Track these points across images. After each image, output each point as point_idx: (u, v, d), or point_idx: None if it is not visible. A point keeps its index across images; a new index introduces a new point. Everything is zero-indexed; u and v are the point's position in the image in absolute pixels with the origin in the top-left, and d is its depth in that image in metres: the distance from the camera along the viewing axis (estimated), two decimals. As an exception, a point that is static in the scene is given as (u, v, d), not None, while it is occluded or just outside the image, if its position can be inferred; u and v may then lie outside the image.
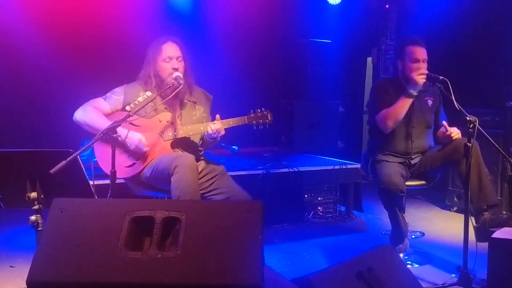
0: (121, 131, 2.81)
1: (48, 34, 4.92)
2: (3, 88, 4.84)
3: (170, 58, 3.06)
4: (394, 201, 3.28)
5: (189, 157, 2.89)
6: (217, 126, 2.98)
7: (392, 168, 3.33)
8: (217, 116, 3.04)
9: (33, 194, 2.19)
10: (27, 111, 5.02)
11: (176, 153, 3.02)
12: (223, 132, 3.01)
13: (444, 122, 3.36)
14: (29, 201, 2.20)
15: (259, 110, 3.11)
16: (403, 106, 3.33)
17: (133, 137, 2.95)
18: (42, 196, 2.21)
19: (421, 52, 3.38)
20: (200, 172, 3.07)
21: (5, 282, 3.11)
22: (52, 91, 4.97)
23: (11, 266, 3.37)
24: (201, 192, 3.02)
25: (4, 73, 4.86)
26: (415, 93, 3.31)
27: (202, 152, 3.23)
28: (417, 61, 3.35)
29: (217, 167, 3.18)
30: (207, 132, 3.01)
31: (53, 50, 4.88)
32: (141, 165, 3.00)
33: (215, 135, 2.99)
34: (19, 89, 4.98)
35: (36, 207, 2.20)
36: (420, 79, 3.26)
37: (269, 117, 3.12)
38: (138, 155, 3.00)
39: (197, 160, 3.07)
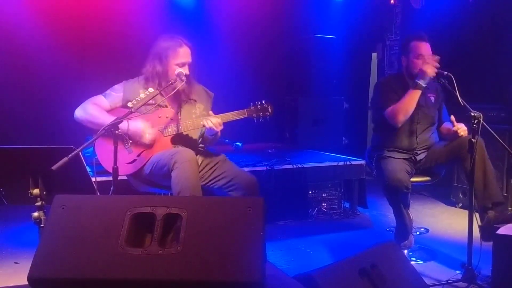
0: (122, 125, 2.81)
1: (52, 30, 4.93)
2: (6, 85, 4.86)
3: (183, 64, 3.06)
4: (399, 198, 3.27)
5: (189, 152, 2.89)
6: (213, 121, 2.93)
7: (397, 165, 3.31)
8: (210, 113, 3.03)
9: (36, 191, 2.19)
10: (30, 107, 5.03)
11: (175, 148, 3.01)
12: (220, 127, 2.98)
13: (452, 117, 3.31)
14: (32, 198, 2.20)
15: (259, 103, 3.08)
16: (412, 98, 3.26)
17: (136, 127, 2.96)
18: (44, 192, 2.20)
19: (425, 48, 3.36)
20: (201, 164, 3.08)
21: (9, 278, 3.13)
22: (55, 88, 4.98)
23: (15, 263, 3.38)
24: (204, 182, 3.03)
25: (8, 70, 4.87)
26: (423, 85, 3.22)
27: (202, 147, 3.22)
28: (422, 56, 3.33)
29: (217, 156, 3.18)
30: (205, 126, 2.98)
31: (57, 46, 4.89)
32: (142, 162, 3.00)
33: (214, 131, 2.97)
34: (22, 86, 5.00)
35: (39, 203, 2.20)
36: (431, 70, 3.17)
37: (269, 109, 3.07)
38: (141, 148, 3.01)
39: (197, 154, 3.06)
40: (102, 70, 4.72)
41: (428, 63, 3.21)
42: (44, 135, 4.90)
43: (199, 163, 3.06)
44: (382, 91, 3.51)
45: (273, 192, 4.35)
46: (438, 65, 3.19)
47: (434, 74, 3.18)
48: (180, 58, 3.05)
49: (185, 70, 3.04)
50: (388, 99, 3.39)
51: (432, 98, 3.55)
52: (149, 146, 3.03)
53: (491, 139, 3.01)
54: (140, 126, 2.98)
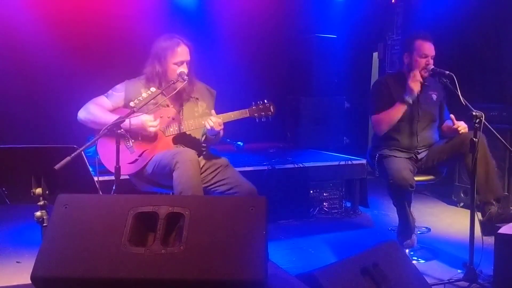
0: (124, 124, 2.80)
1: (53, 31, 4.94)
2: (8, 85, 4.86)
3: (181, 62, 3.06)
4: (404, 197, 3.26)
5: (190, 152, 2.89)
6: (214, 120, 2.93)
7: (400, 163, 3.31)
8: (212, 112, 3.02)
9: (38, 190, 2.20)
10: (32, 107, 5.04)
11: (177, 148, 3.02)
12: (220, 127, 2.96)
13: (452, 116, 3.34)
14: (34, 197, 2.21)
15: (260, 102, 3.07)
16: (398, 111, 3.34)
17: (137, 121, 2.94)
18: (47, 192, 2.22)
19: (430, 48, 3.37)
20: (203, 166, 3.07)
21: (11, 277, 3.13)
22: (57, 88, 4.99)
23: (17, 262, 3.39)
24: (205, 185, 3.03)
25: (10, 70, 4.88)
26: (410, 101, 3.30)
27: (205, 147, 3.22)
28: (426, 56, 3.34)
29: (220, 159, 3.17)
30: (206, 126, 2.97)
31: (58, 47, 4.90)
32: (144, 162, 3.01)
33: (215, 131, 2.96)
34: (24, 86, 5.00)
35: (41, 203, 2.21)
36: (416, 86, 3.26)
37: (271, 109, 3.06)
38: (143, 148, 3.01)
39: (199, 155, 3.06)
40: (104, 70, 4.72)
41: (415, 81, 3.27)
42: (46, 135, 4.91)
43: (202, 165, 3.06)
44: (375, 95, 3.55)
45: (274, 192, 4.35)
46: (420, 79, 3.30)
47: (419, 90, 3.30)
48: (178, 57, 3.05)
49: (183, 68, 3.04)
50: (380, 103, 3.43)
51: (434, 96, 3.55)
52: (154, 139, 3.02)
53: (493, 139, 3.02)
54: (142, 119, 2.96)
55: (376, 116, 3.43)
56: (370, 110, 3.53)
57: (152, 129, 2.98)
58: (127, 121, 2.84)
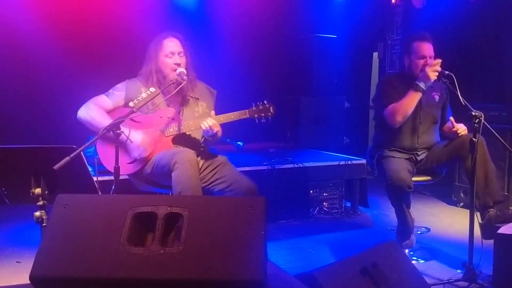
0: (123, 129, 2.79)
1: (53, 31, 4.93)
2: (8, 85, 4.87)
3: (172, 53, 3.05)
4: (402, 197, 3.26)
5: (189, 153, 2.88)
6: (210, 123, 2.93)
7: (399, 164, 3.30)
8: (212, 112, 3.02)
9: (38, 190, 2.21)
10: (32, 107, 5.04)
11: (176, 149, 3.00)
12: (217, 129, 2.96)
13: (451, 118, 3.34)
14: (34, 197, 2.21)
15: (260, 103, 3.05)
16: (411, 100, 3.25)
17: (134, 139, 2.92)
18: (46, 192, 2.22)
19: (428, 49, 3.34)
20: (202, 165, 3.07)
21: (11, 277, 3.13)
22: (57, 88, 4.99)
23: (17, 262, 3.39)
24: (204, 184, 3.03)
25: (9, 71, 4.88)
26: (424, 88, 3.22)
27: (203, 147, 3.21)
28: (424, 57, 3.33)
29: (219, 158, 3.16)
30: (202, 128, 2.96)
31: (58, 47, 4.89)
32: (143, 162, 3.00)
33: (210, 132, 2.95)
34: (24, 86, 5.00)
35: (41, 203, 2.21)
36: (433, 75, 3.16)
37: (271, 110, 3.05)
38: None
39: (198, 155, 3.05)
40: (104, 70, 4.71)
41: (434, 70, 3.17)
42: (46, 135, 4.91)
43: (201, 164, 3.06)
44: (383, 90, 3.49)
45: (274, 192, 4.35)
46: (439, 69, 3.18)
47: (436, 78, 3.18)
48: (166, 48, 3.04)
49: (174, 60, 3.03)
50: (389, 98, 3.37)
51: (436, 97, 3.54)
52: (153, 139, 3.01)
53: (493, 139, 3.01)
54: (138, 139, 2.94)
55: (389, 107, 3.33)
56: (380, 106, 3.43)
57: (135, 154, 2.95)
58: (127, 130, 2.84)
